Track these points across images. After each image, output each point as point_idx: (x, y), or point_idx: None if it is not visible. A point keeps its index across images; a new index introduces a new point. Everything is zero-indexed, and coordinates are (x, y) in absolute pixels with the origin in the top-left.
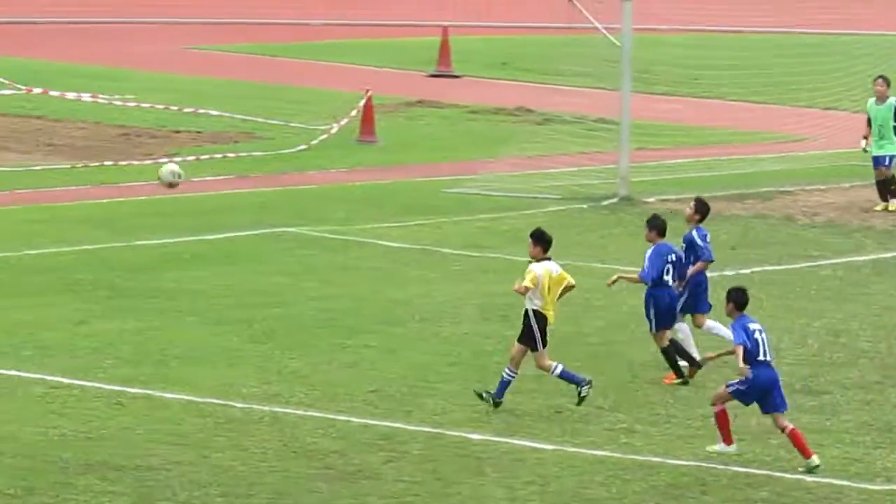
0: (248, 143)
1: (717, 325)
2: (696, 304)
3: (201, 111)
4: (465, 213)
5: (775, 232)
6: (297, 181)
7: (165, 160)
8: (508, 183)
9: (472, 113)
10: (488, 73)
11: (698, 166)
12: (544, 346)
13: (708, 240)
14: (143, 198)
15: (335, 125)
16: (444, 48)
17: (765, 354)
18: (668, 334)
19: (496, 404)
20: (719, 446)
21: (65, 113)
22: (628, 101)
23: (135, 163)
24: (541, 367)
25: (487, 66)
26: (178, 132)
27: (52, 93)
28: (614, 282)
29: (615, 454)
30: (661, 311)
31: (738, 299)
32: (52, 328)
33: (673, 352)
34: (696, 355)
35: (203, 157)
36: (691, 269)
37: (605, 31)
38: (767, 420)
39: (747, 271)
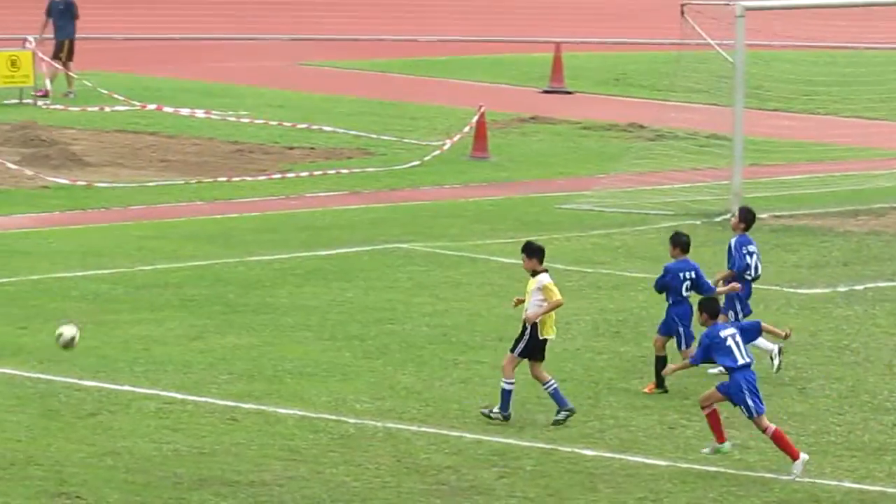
0: (362, 160)
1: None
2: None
3: (315, 127)
4: (578, 230)
5: (889, 248)
6: (409, 197)
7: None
8: (621, 199)
9: (585, 129)
10: (601, 89)
11: (812, 182)
12: (522, 356)
13: (752, 250)
14: (257, 214)
15: (448, 141)
16: (557, 64)
17: (743, 357)
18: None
19: (571, 412)
20: (713, 445)
21: (178, 129)
22: (741, 117)
23: (248, 179)
24: (504, 369)
25: (600, 83)
26: (291, 148)
27: (166, 109)
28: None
29: (728, 470)
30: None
31: (710, 309)
32: (166, 344)
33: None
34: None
35: (316, 172)
36: (721, 277)
37: (718, 48)
38: (882, 436)
39: (860, 287)
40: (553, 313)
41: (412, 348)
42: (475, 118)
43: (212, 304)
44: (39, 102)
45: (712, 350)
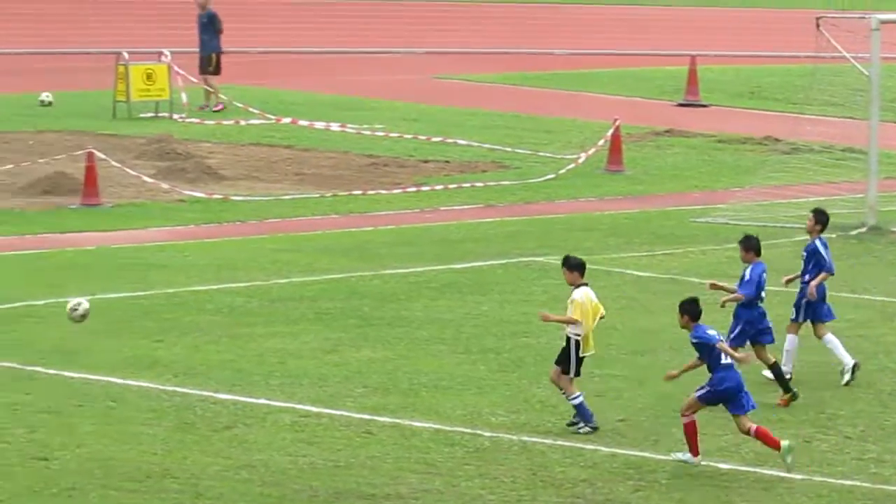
0: (496, 173)
1: (836, 342)
2: (818, 312)
3: (449, 140)
4: (713, 243)
5: None
6: (544, 210)
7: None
8: (755, 212)
9: (720, 142)
10: (736, 102)
11: None
12: (577, 374)
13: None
14: (392, 227)
15: (583, 154)
16: (692, 77)
17: (727, 357)
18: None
19: (594, 428)
20: (685, 455)
21: (313, 142)
22: (876, 131)
23: (383, 192)
24: (565, 390)
25: (735, 96)
26: (426, 161)
27: (301, 122)
28: (713, 286)
29: (864, 484)
30: (755, 327)
31: (692, 311)
32: (301, 357)
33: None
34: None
35: (451, 186)
36: (815, 281)
37: (853, 61)
38: None
39: None
40: (591, 327)
41: (547, 362)
42: (610, 131)
43: (347, 317)
44: (194, 114)
45: (702, 351)
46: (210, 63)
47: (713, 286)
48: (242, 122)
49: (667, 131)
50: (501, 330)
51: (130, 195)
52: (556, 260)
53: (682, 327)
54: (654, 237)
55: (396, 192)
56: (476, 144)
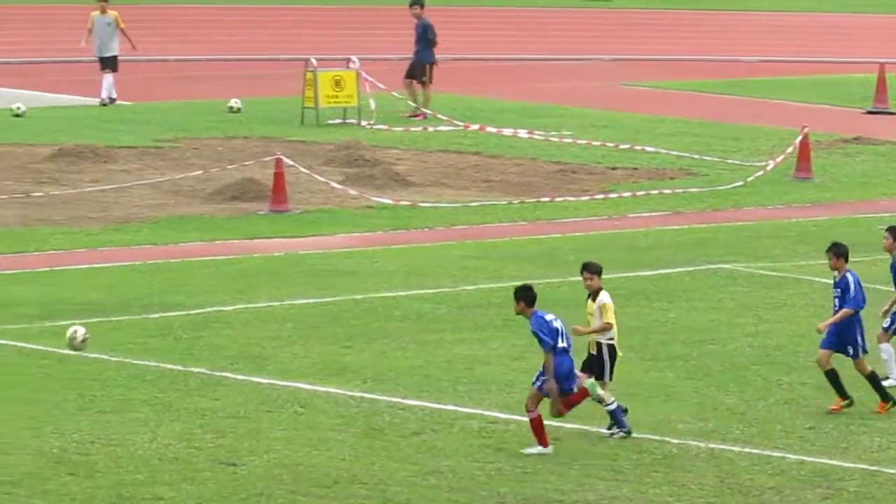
0: (684, 180)
1: (892, 353)
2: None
3: (637, 148)
4: None
5: None
6: (732, 218)
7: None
8: None
9: None
10: None
11: None
12: (610, 379)
13: None
14: (580, 234)
15: (770, 162)
16: (881, 85)
17: (565, 341)
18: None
19: (628, 433)
20: (536, 449)
21: (501, 149)
22: None
23: (570, 199)
24: (598, 398)
25: None
26: (614, 169)
27: (489, 129)
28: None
29: None
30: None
31: (526, 297)
32: (488, 363)
33: (876, 377)
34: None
35: (639, 193)
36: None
37: None
38: None
39: None
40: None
41: (735, 369)
42: (798, 139)
43: None
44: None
45: (542, 331)
46: (423, 73)
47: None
48: (430, 129)
49: (855, 139)
50: (689, 337)
51: (318, 201)
52: (745, 267)
53: (519, 313)
54: None
55: (584, 199)
56: (664, 151)
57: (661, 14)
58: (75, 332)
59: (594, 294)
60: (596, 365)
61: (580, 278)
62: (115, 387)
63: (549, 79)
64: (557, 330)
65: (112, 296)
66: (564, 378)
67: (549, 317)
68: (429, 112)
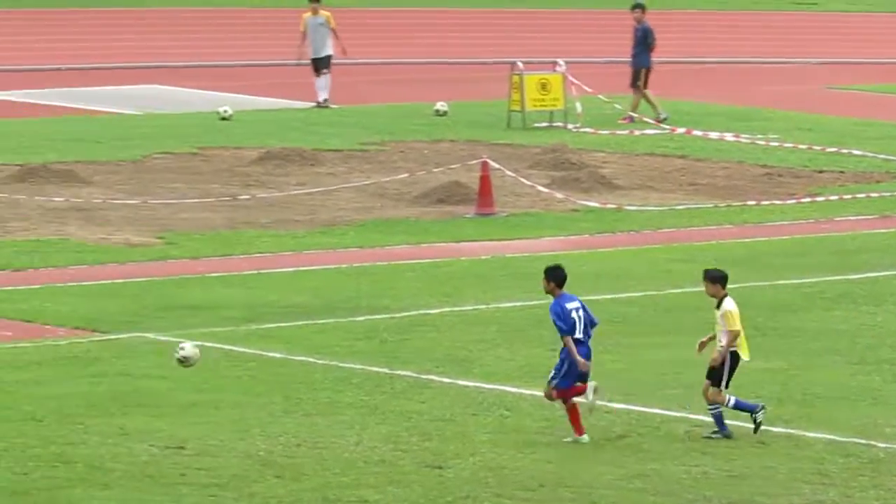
0: (891, 183)
1: None
2: None
3: (844, 151)
4: None
5: None
6: None
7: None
8: None
9: None
10: None
11: None
12: (727, 386)
13: None
14: (786, 237)
15: None
16: None
17: (581, 333)
18: None
19: (727, 436)
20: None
21: (707, 153)
22: None
23: (777, 202)
24: (714, 400)
25: None
26: (821, 172)
27: (695, 132)
28: None
29: None
30: None
31: (556, 276)
32: (695, 367)
33: None
34: None
35: (846, 196)
36: None
37: None
38: None
39: None
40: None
41: None
42: None
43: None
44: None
45: (557, 318)
46: (638, 77)
47: None
48: (637, 133)
49: None
50: None
51: (525, 205)
52: None
53: (548, 293)
54: None
55: (790, 203)
56: (871, 155)
57: (868, 17)
58: (190, 356)
59: (719, 302)
60: (716, 371)
61: (786, 282)
62: (321, 389)
63: (754, 82)
64: (575, 321)
65: (318, 298)
66: (569, 370)
67: (571, 305)
68: (636, 115)
